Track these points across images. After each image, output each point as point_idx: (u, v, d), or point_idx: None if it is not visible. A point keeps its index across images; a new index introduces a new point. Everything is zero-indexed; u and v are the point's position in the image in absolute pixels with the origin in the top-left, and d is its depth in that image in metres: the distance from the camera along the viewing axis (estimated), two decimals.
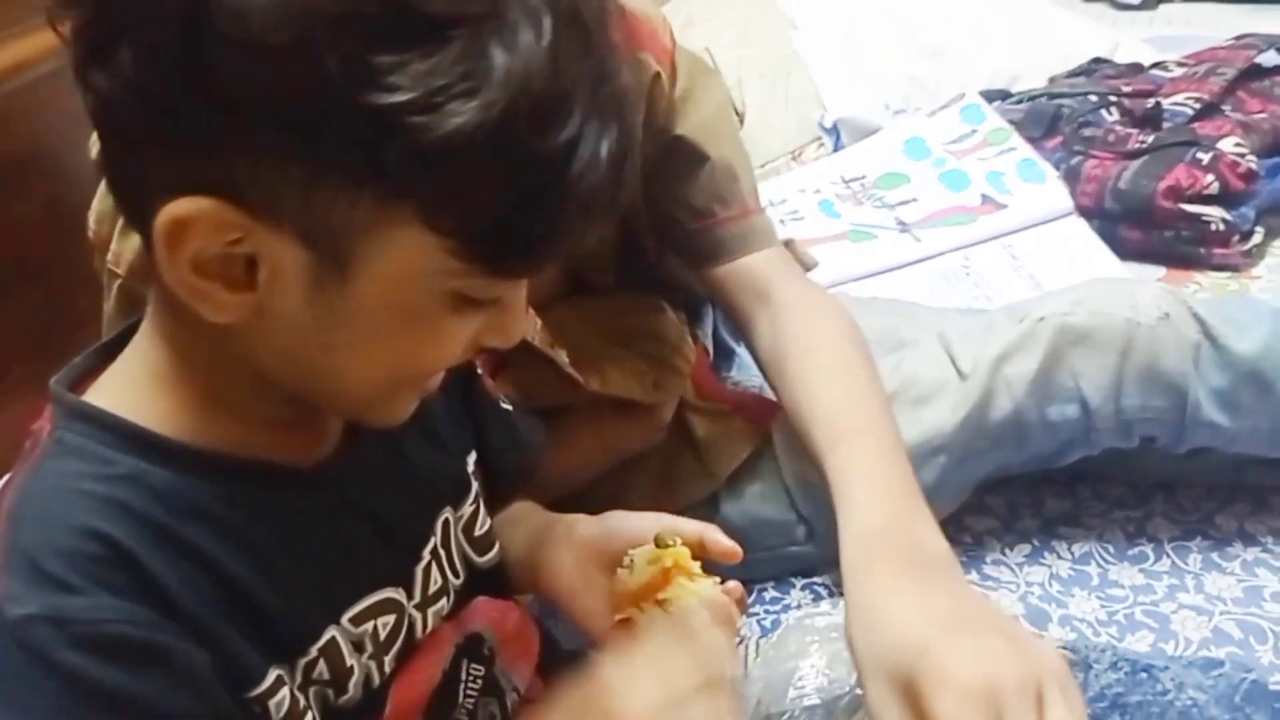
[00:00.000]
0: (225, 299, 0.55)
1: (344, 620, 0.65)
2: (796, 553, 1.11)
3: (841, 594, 1.08)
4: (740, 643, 1.01)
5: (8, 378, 1.17)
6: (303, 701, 0.63)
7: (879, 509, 0.82)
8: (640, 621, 0.71)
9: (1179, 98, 1.66)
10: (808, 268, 1.21)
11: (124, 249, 0.87)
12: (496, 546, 0.78)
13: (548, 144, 0.53)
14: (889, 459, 0.86)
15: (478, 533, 0.76)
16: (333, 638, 0.64)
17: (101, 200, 0.89)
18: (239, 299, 0.55)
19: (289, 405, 0.62)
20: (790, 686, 0.87)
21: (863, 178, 1.73)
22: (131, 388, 0.61)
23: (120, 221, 0.86)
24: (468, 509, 0.76)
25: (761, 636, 1.04)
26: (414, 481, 0.72)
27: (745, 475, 1.10)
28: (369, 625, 0.67)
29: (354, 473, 0.67)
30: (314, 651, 0.63)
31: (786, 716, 0.84)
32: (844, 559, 0.79)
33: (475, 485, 0.76)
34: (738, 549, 0.76)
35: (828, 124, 1.83)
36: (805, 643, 0.90)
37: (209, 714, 0.58)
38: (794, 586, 1.12)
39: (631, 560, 0.73)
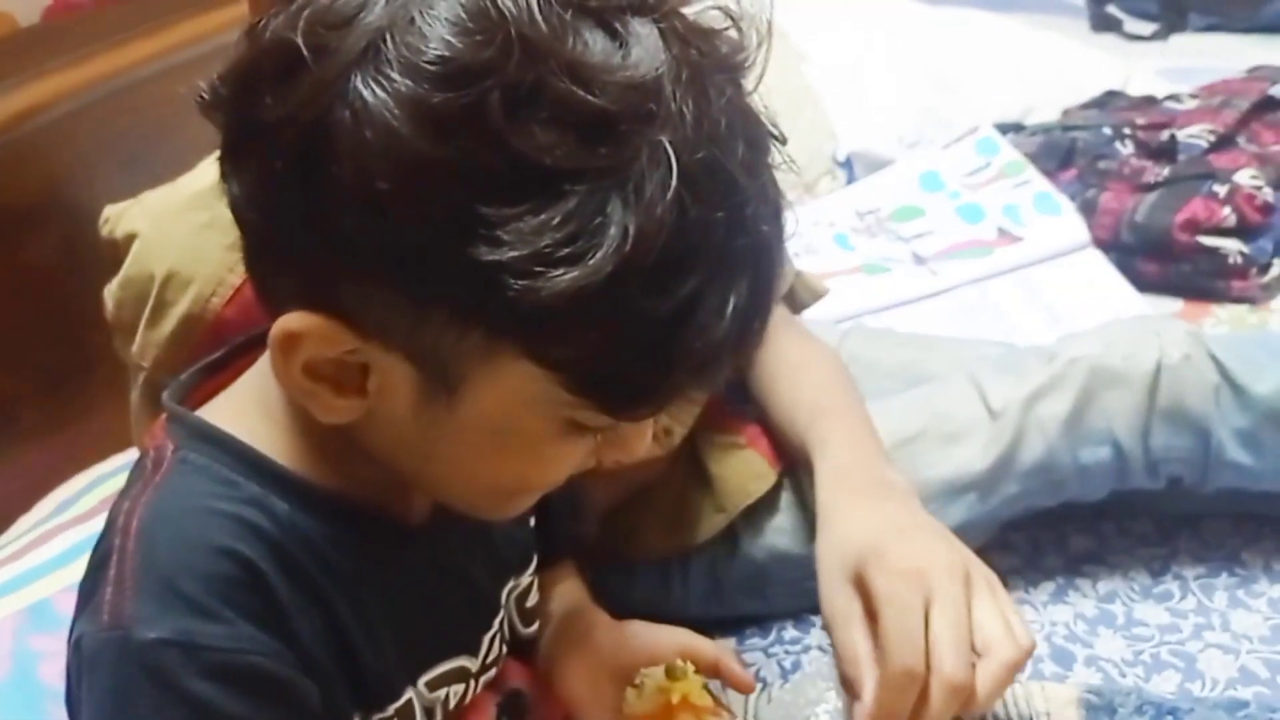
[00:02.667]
0: (333, 402, 0.56)
1: (420, 684, 0.65)
2: (815, 587, 1.10)
3: None
4: (764, 689, 1.00)
5: (22, 418, 1.18)
6: None
7: (849, 453, 0.93)
8: None
9: (1194, 129, 1.66)
10: (818, 296, 1.21)
11: (149, 343, 0.85)
12: (538, 621, 0.79)
13: (662, 304, 0.51)
14: (864, 428, 0.96)
15: (529, 604, 0.77)
16: (409, 700, 0.64)
17: (122, 287, 0.86)
18: (348, 403, 0.56)
19: (392, 471, 0.62)
20: None
21: (877, 211, 1.72)
22: (247, 418, 0.61)
23: (147, 312, 0.84)
24: (525, 579, 0.76)
25: (781, 677, 1.03)
26: (494, 549, 0.72)
27: (765, 510, 1.09)
28: (441, 693, 0.67)
29: (447, 535, 0.67)
30: (390, 710, 0.63)
31: None
32: (817, 493, 0.90)
33: (534, 556, 0.77)
34: (751, 680, 0.78)
35: (841, 157, 1.84)
36: (822, 689, 0.88)
37: None
38: (814, 625, 1.09)
39: (642, 682, 0.72)
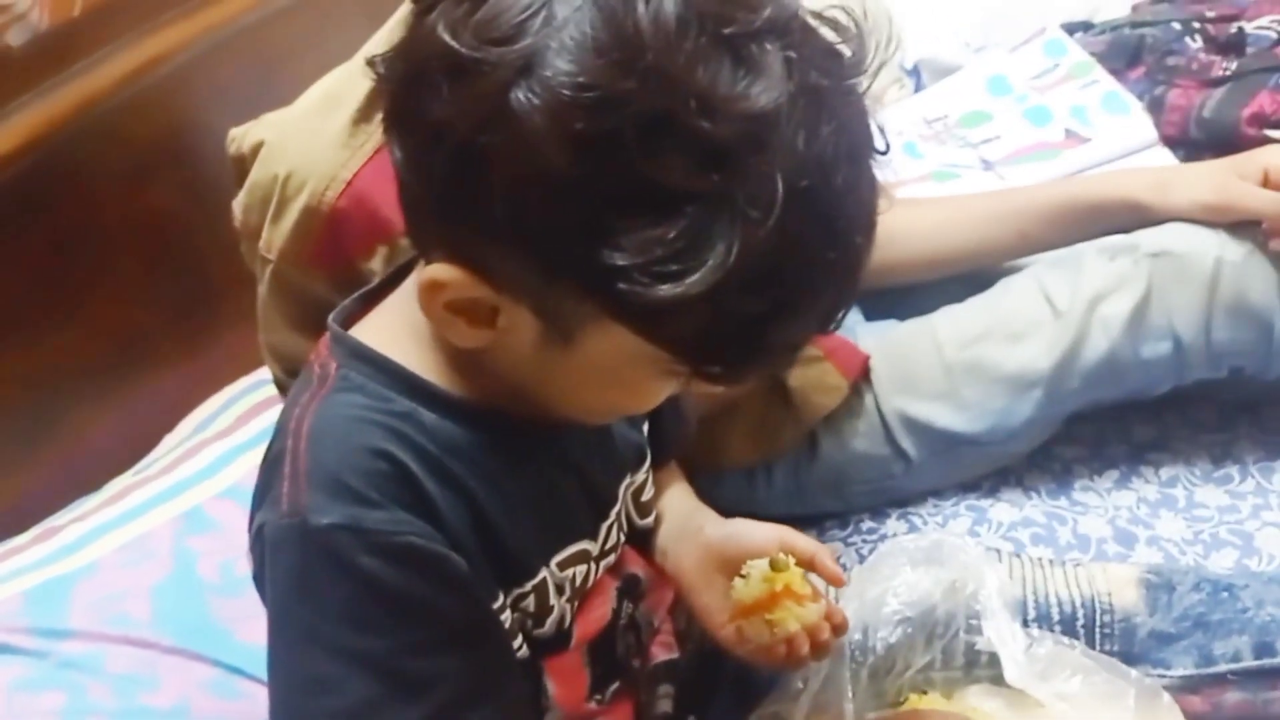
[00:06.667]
0: (467, 331, 0.64)
1: (553, 564, 0.74)
2: (893, 485, 1.17)
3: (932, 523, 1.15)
4: (844, 571, 1.07)
5: (158, 347, 1.28)
6: (508, 622, 0.72)
7: None
8: (747, 633, 0.80)
9: (1263, 20, 1.65)
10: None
11: (275, 236, 0.94)
12: (654, 513, 0.87)
13: (753, 306, 0.57)
14: None
15: (644, 498, 0.85)
16: (544, 579, 0.74)
17: (249, 192, 0.95)
18: (479, 333, 0.64)
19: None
20: (884, 604, 0.93)
21: (945, 118, 1.74)
22: (397, 337, 0.70)
23: (271, 209, 0.93)
24: (640, 476, 0.84)
25: (859, 563, 1.10)
26: (612, 448, 0.81)
27: (844, 413, 1.15)
28: (570, 572, 0.76)
29: (570, 437, 0.75)
30: (528, 587, 0.73)
31: (881, 630, 0.90)
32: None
33: (649, 455, 0.85)
34: (842, 575, 0.85)
35: (908, 65, 1.85)
36: (898, 564, 0.95)
37: (474, 614, 0.68)
38: (890, 517, 1.17)
39: (748, 573, 0.80)
